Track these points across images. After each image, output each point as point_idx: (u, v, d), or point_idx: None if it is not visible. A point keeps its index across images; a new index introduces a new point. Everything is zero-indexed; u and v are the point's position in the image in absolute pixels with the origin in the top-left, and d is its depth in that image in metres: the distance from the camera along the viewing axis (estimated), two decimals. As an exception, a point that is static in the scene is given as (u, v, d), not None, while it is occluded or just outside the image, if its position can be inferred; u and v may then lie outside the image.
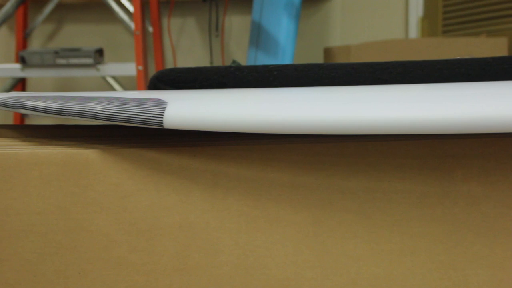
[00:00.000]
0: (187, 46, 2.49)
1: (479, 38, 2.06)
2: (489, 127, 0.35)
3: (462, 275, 0.44)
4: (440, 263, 0.44)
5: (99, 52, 1.95)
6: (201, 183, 0.43)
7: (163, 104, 0.41)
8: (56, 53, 1.89)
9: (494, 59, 0.57)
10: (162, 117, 0.40)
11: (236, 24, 2.50)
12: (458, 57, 0.59)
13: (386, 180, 0.43)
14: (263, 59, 1.88)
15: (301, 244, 0.44)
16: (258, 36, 1.92)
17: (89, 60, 1.90)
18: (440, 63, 0.58)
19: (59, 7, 2.40)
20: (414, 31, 2.60)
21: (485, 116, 0.35)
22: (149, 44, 2.36)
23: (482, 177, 0.43)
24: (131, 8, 2.19)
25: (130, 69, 1.90)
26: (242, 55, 2.48)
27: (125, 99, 0.44)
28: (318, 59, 2.48)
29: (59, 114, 0.43)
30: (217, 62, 2.42)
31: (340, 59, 1.97)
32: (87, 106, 0.43)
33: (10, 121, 2.37)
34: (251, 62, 1.95)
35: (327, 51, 2.11)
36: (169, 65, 2.49)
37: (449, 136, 0.43)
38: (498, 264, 0.44)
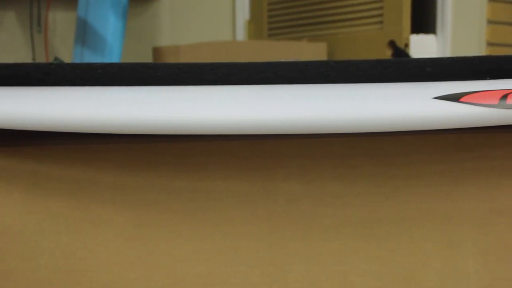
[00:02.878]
0: (6, 41, 2.36)
1: (301, 42, 2.17)
2: (306, 128, 0.37)
3: (281, 271, 0.46)
4: (261, 260, 0.45)
5: None
6: (19, 185, 0.42)
7: (-26, 101, 0.39)
8: None
9: (312, 62, 0.60)
10: (-27, 116, 0.37)
11: (60, 20, 2.41)
12: (281, 60, 0.61)
13: (210, 179, 0.44)
14: (90, 57, 1.84)
15: (124, 245, 0.43)
16: (84, 33, 1.87)
17: None
18: (263, 65, 0.60)
19: None
20: (241, 34, 2.67)
21: (301, 117, 0.37)
22: (-36, 37, 2.21)
23: (301, 176, 0.45)
24: None
25: None
26: (69, 52, 2.39)
27: None
28: (148, 58, 2.47)
29: None
30: (41, 60, 2.32)
31: (170, 59, 1.97)
32: None
33: None
34: (78, 60, 1.90)
35: (156, 51, 2.10)
36: (-13, 60, 2.34)
37: (271, 137, 0.45)
38: (314, 259, 0.46)
